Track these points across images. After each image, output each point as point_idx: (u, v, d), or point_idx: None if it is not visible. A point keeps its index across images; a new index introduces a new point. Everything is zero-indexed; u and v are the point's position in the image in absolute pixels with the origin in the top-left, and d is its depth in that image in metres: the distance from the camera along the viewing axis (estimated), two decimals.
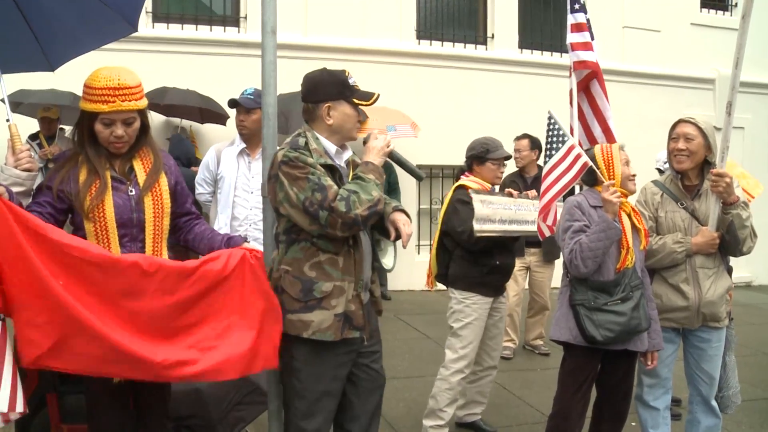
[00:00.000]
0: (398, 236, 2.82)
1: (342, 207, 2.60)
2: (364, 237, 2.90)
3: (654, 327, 3.41)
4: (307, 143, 2.76)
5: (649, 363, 3.44)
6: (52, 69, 3.44)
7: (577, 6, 4.80)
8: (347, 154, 2.95)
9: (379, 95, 2.88)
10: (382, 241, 3.09)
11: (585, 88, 4.72)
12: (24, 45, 3.21)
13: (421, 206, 9.57)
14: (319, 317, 2.71)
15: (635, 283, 3.31)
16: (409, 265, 9.24)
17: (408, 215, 2.91)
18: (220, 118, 7.95)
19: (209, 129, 8.38)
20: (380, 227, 2.94)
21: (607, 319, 3.26)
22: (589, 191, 3.51)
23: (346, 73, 2.86)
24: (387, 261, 3.08)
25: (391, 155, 2.92)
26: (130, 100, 2.60)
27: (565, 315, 3.42)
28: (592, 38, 4.72)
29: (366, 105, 2.86)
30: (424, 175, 2.92)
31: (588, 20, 4.78)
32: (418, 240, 9.51)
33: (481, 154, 4.28)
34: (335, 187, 2.66)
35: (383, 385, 3.08)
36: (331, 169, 2.76)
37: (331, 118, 2.82)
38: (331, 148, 2.85)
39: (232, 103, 4.55)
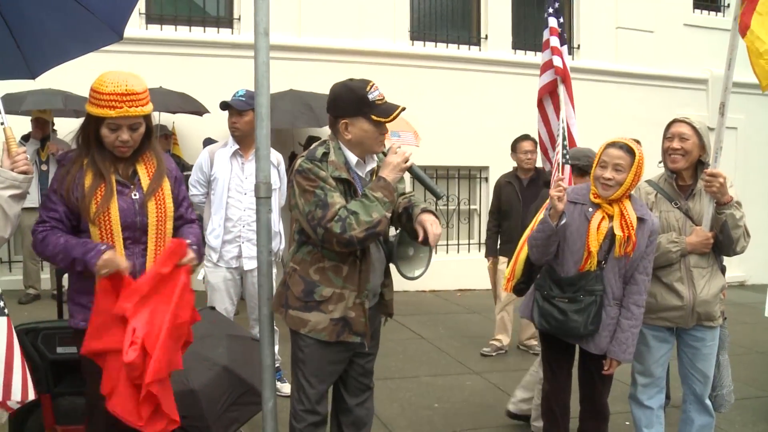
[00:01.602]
0: (426, 238, 2.78)
1: (337, 229, 2.66)
2: (375, 247, 2.95)
3: (618, 336, 3.33)
4: (326, 154, 2.79)
5: (606, 368, 3.40)
6: (33, 77, 3.41)
7: (551, 10, 4.81)
8: (371, 165, 2.96)
9: (403, 108, 2.83)
10: (418, 248, 3.02)
11: (552, 90, 4.72)
12: (5, 53, 3.19)
13: None
14: (316, 318, 2.85)
15: (592, 288, 3.28)
16: None
17: (437, 216, 2.89)
18: (196, 112, 7.99)
19: (191, 123, 8.35)
20: (412, 235, 2.92)
21: (549, 311, 3.38)
22: (575, 186, 3.54)
23: (369, 87, 2.80)
24: (417, 270, 3.00)
25: (411, 170, 2.89)
26: (137, 106, 2.63)
27: (530, 294, 3.59)
28: (563, 44, 4.71)
29: (386, 121, 2.81)
30: (444, 193, 2.88)
31: (561, 24, 4.78)
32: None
33: (585, 168, 4.16)
34: (338, 205, 2.69)
35: (371, 387, 3.24)
36: (346, 182, 2.80)
37: (349, 133, 2.83)
38: (353, 159, 2.87)
39: (224, 106, 4.55)
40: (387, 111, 2.80)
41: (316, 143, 2.90)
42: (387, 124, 2.85)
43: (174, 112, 8.13)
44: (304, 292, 2.85)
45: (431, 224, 2.78)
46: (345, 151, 2.85)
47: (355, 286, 2.85)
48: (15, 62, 3.28)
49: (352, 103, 2.79)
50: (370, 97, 2.78)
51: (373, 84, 2.82)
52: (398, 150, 2.85)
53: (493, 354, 6.26)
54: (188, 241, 2.81)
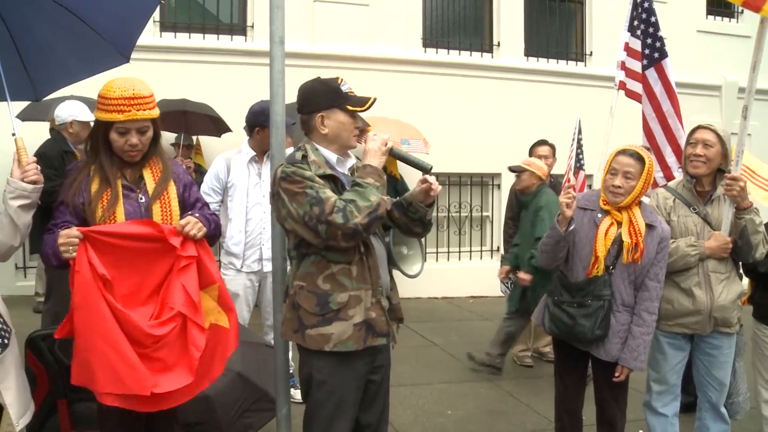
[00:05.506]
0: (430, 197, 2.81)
1: (339, 219, 2.54)
2: (376, 242, 2.86)
3: (629, 344, 3.31)
4: (305, 156, 2.72)
5: (617, 375, 3.36)
6: (37, 99, 3.41)
7: (638, 32, 4.92)
8: (350, 162, 2.90)
9: (375, 99, 2.82)
10: (411, 245, 3.04)
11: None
12: (10, 73, 3.14)
13: None
14: (339, 329, 2.69)
15: (600, 293, 3.29)
16: None
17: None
18: (220, 128, 8.04)
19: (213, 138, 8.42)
20: (405, 229, 2.94)
21: (559, 316, 3.41)
22: (585, 192, 3.55)
23: (339, 80, 2.80)
24: (415, 267, 3.01)
25: (392, 153, 2.83)
26: (144, 109, 2.67)
27: (544, 300, 3.60)
28: (647, 65, 4.87)
29: (361, 110, 2.79)
30: (431, 165, 2.88)
31: (658, 42, 4.89)
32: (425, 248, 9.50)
33: None
34: (333, 198, 2.59)
35: (386, 396, 3.07)
36: (333, 179, 2.73)
37: (326, 127, 2.77)
38: (332, 157, 2.80)
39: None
40: (361, 101, 2.79)
41: (293, 151, 2.83)
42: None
43: (219, 134, 8.23)
44: (319, 305, 2.69)
45: (433, 181, 2.78)
46: (323, 150, 2.78)
47: (368, 284, 2.74)
48: (21, 83, 3.27)
49: (326, 95, 2.76)
50: (343, 89, 2.77)
51: (342, 78, 2.82)
52: (375, 136, 2.79)
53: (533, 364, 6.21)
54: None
